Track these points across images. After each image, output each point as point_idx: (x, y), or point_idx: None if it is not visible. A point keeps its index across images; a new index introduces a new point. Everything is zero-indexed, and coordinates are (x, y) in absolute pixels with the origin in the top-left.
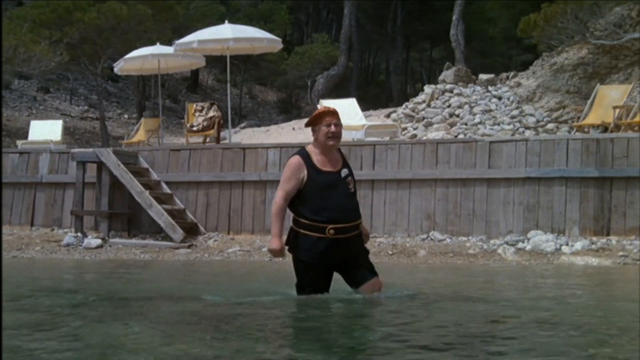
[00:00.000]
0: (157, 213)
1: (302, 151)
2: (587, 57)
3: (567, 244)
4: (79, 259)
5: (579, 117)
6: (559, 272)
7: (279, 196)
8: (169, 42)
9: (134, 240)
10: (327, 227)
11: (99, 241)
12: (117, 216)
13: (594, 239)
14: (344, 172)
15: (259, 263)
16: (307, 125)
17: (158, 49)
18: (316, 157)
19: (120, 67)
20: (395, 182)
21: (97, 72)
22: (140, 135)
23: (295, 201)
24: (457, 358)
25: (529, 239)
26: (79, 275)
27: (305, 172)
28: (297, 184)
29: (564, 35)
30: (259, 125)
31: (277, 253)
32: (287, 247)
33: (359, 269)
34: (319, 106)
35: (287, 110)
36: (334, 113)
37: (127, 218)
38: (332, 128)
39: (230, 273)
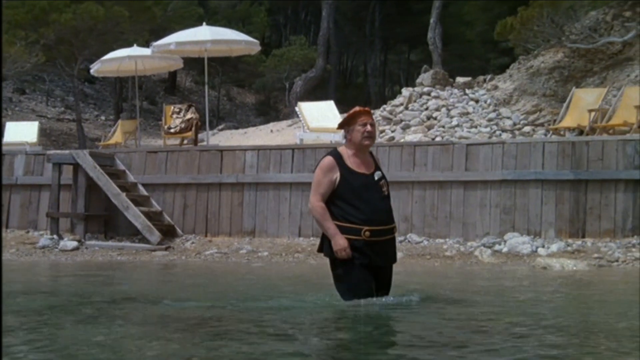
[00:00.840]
0: (134, 215)
1: (334, 152)
2: (563, 60)
3: (543, 246)
4: (55, 261)
5: (555, 120)
6: (534, 274)
7: (315, 200)
8: (146, 44)
9: (110, 243)
10: (363, 229)
11: (75, 243)
12: (94, 218)
13: (570, 241)
14: (378, 174)
15: (236, 265)
16: (340, 126)
17: (135, 50)
18: (349, 159)
19: (97, 68)
20: None
21: (73, 74)
22: (117, 137)
23: (328, 203)
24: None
25: (505, 241)
26: (54, 277)
27: (338, 173)
28: (330, 185)
29: (540, 39)
30: (237, 128)
31: (345, 249)
32: (322, 253)
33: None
34: (296, 109)
35: (265, 113)
36: (368, 113)
37: (104, 220)
38: (368, 127)
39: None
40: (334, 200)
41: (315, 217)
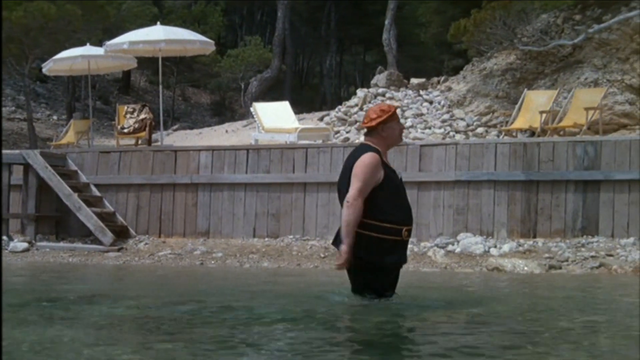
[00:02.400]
0: (86, 216)
1: (374, 148)
2: (515, 62)
3: (495, 246)
4: (4, 262)
5: (507, 122)
6: (486, 274)
7: (357, 198)
8: (99, 43)
9: (62, 244)
10: (403, 229)
11: (25, 244)
12: (45, 219)
13: (521, 241)
14: (399, 172)
15: (189, 267)
16: (379, 123)
17: (88, 49)
18: (384, 156)
19: (49, 67)
20: (327, 185)
21: (24, 72)
22: (69, 137)
23: (366, 202)
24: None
25: (458, 242)
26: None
27: (382, 172)
28: (373, 184)
29: (493, 41)
30: (191, 128)
31: (346, 266)
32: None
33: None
34: (251, 109)
35: (221, 113)
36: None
37: (55, 221)
38: (402, 126)
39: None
40: (375, 200)
41: (349, 218)
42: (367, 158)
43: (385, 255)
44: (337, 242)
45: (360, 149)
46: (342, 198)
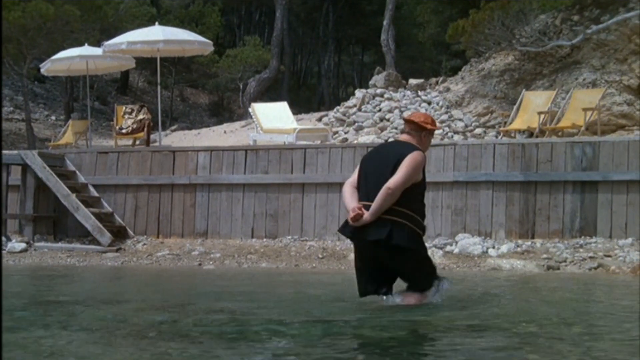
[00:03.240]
0: (84, 216)
1: (420, 149)
2: (514, 63)
3: (493, 247)
4: (2, 263)
5: (505, 122)
6: (484, 275)
7: (399, 188)
8: (97, 43)
9: (60, 244)
10: (424, 229)
11: (23, 245)
12: (43, 219)
13: (519, 241)
14: None
15: (188, 267)
16: (430, 130)
17: (86, 50)
18: None
19: (47, 67)
20: (325, 185)
21: (22, 73)
22: (67, 138)
23: (411, 200)
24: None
25: (456, 242)
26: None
27: (422, 172)
28: (413, 180)
29: (491, 42)
30: (190, 128)
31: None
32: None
33: None
34: (250, 110)
35: (219, 113)
36: None
37: (53, 221)
38: None
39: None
40: (417, 196)
41: (386, 203)
42: (419, 156)
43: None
44: (345, 229)
45: (407, 145)
46: (375, 180)
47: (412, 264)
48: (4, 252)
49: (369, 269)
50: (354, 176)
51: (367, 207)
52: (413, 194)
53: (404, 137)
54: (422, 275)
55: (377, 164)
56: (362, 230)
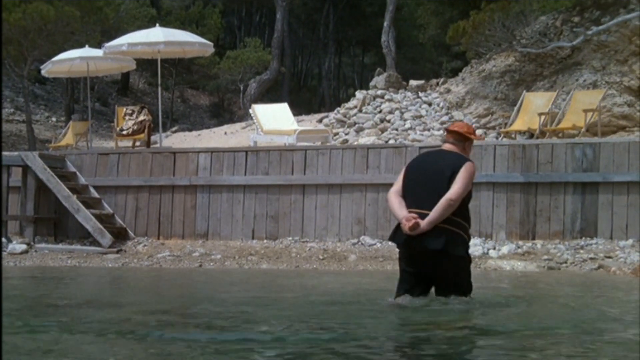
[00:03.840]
0: (85, 218)
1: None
2: (514, 64)
3: (494, 248)
4: (3, 264)
5: (506, 124)
6: (485, 276)
7: (459, 200)
8: (98, 45)
9: (60, 246)
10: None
11: (24, 246)
12: (43, 221)
13: (520, 242)
14: None
15: (187, 269)
16: (472, 140)
17: (87, 51)
18: None
19: (48, 69)
20: (326, 186)
21: (23, 74)
22: (68, 139)
23: (463, 209)
24: None
25: None
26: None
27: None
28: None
29: (492, 43)
30: (190, 130)
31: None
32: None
33: None
34: (250, 111)
35: (219, 115)
36: None
37: (54, 223)
38: None
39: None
40: (467, 205)
41: (446, 213)
42: (473, 167)
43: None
44: (397, 237)
45: (458, 156)
46: (428, 190)
47: (462, 271)
48: (4, 253)
49: (415, 276)
50: (398, 184)
51: (420, 215)
52: (464, 203)
53: (449, 147)
54: (466, 281)
55: (429, 174)
56: (418, 239)
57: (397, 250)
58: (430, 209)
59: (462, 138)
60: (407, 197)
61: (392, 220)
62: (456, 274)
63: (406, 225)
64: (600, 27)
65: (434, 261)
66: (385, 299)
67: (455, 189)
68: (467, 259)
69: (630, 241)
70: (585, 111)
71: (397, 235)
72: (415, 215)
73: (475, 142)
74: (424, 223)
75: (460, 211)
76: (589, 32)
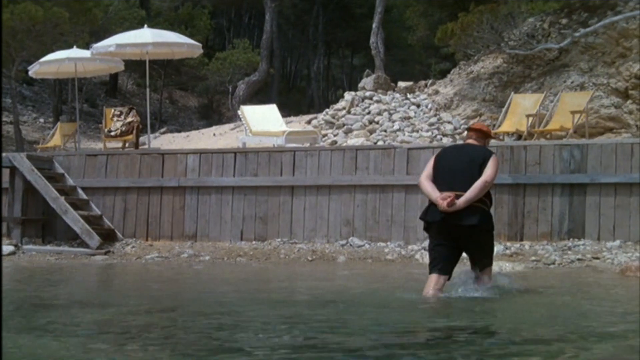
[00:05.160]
0: (73, 219)
1: None
2: (502, 66)
3: None
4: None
5: (494, 125)
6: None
7: (492, 181)
8: (86, 46)
9: (48, 247)
10: None
11: (11, 248)
12: (31, 222)
13: (508, 244)
14: None
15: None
16: (491, 135)
17: (75, 52)
18: None
19: (35, 70)
20: (314, 188)
21: (10, 75)
22: (56, 140)
23: (488, 191)
24: None
25: None
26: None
27: None
28: None
29: (480, 44)
30: (179, 131)
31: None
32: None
33: None
34: (239, 112)
35: (208, 116)
36: None
37: (42, 224)
38: None
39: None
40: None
41: (481, 193)
42: (497, 158)
43: None
44: (432, 215)
45: (484, 149)
46: (462, 175)
47: (489, 242)
48: None
49: (448, 250)
50: (428, 171)
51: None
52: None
53: (473, 142)
54: (492, 249)
55: (463, 161)
56: (454, 215)
57: (385, 251)
58: (462, 191)
59: (484, 135)
60: (438, 181)
61: (381, 222)
62: (486, 243)
63: (443, 203)
64: (588, 29)
65: (469, 234)
66: (400, 294)
67: (489, 173)
68: (493, 231)
69: (617, 242)
70: (573, 113)
71: (429, 214)
72: (450, 194)
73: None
74: (460, 201)
75: (487, 193)
76: (577, 34)
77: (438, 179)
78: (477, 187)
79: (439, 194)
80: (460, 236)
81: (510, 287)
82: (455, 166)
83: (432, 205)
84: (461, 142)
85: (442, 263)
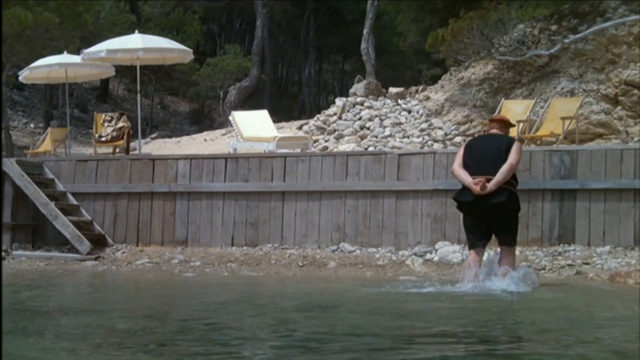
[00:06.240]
0: (63, 224)
1: None
2: (493, 72)
3: None
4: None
5: (484, 131)
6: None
7: (518, 164)
8: (77, 51)
9: (38, 253)
10: None
11: None
12: (21, 228)
13: (498, 249)
14: None
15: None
16: (512, 124)
17: (65, 57)
18: None
19: (25, 75)
20: (305, 193)
21: (1, 80)
22: (46, 145)
23: (514, 174)
24: None
25: (436, 250)
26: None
27: None
28: None
29: (471, 51)
30: (170, 136)
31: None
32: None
33: None
34: (230, 118)
35: (199, 121)
36: None
37: (32, 230)
38: None
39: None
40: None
41: (508, 176)
42: (520, 144)
43: None
44: (465, 196)
45: (507, 137)
46: (491, 161)
47: (514, 221)
48: None
49: (481, 226)
50: (459, 160)
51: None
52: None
53: (496, 131)
54: (516, 230)
55: (491, 149)
56: (486, 196)
57: (376, 257)
58: (492, 175)
59: (505, 125)
60: (470, 167)
61: (371, 228)
62: (511, 221)
63: (476, 188)
64: (578, 36)
65: (498, 212)
66: (425, 286)
67: (514, 156)
68: (519, 211)
69: (607, 248)
70: (563, 119)
71: (462, 195)
72: (481, 179)
73: (454, 149)
74: (491, 184)
75: (513, 175)
76: (567, 41)
77: (470, 166)
78: (505, 170)
79: (472, 179)
80: (489, 214)
81: (529, 286)
82: (485, 153)
83: (464, 188)
84: (452, 148)
85: (478, 240)
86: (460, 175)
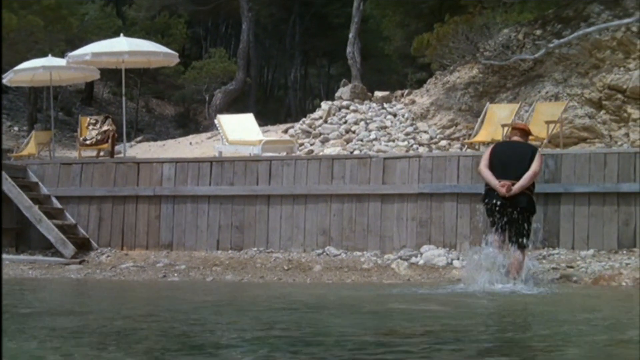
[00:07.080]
0: (47, 228)
1: None
2: (478, 76)
3: (458, 258)
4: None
5: (470, 135)
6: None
7: (540, 172)
8: (61, 54)
9: (22, 256)
10: None
11: None
12: (4, 231)
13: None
14: None
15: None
16: (531, 133)
17: (50, 60)
18: None
19: (10, 78)
20: (291, 197)
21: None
22: (30, 148)
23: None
24: None
25: (421, 254)
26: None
27: None
28: None
29: (456, 55)
30: (155, 140)
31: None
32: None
33: None
34: (215, 121)
35: (185, 125)
36: None
37: (15, 233)
38: None
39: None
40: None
41: (531, 181)
42: (541, 154)
43: None
44: (492, 197)
45: (530, 145)
46: (515, 167)
47: (530, 220)
48: None
49: (503, 224)
50: (486, 162)
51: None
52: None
53: (518, 139)
54: (529, 231)
55: (516, 155)
56: (510, 199)
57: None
58: (515, 179)
59: (526, 133)
60: (494, 170)
61: (357, 231)
62: (526, 222)
63: (502, 190)
64: (562, 40)
65: (518, 214)
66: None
67: (537, 165)
68: (534, 214)
69: (591, 251)
70: (548, 123)
71: (490, 196)
72: (507, 182)
73: (440, 153)
74: (516, 187)
75: (533, 182)
76: (551, 45)
77: (495, 169)
78: (529, 176)
79: (498, 182)
80: (510, 214)
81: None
82: (509, 159)
83: (489, 190)
84: (437, 151)
85: (498, 226)
86: (487, 176)
